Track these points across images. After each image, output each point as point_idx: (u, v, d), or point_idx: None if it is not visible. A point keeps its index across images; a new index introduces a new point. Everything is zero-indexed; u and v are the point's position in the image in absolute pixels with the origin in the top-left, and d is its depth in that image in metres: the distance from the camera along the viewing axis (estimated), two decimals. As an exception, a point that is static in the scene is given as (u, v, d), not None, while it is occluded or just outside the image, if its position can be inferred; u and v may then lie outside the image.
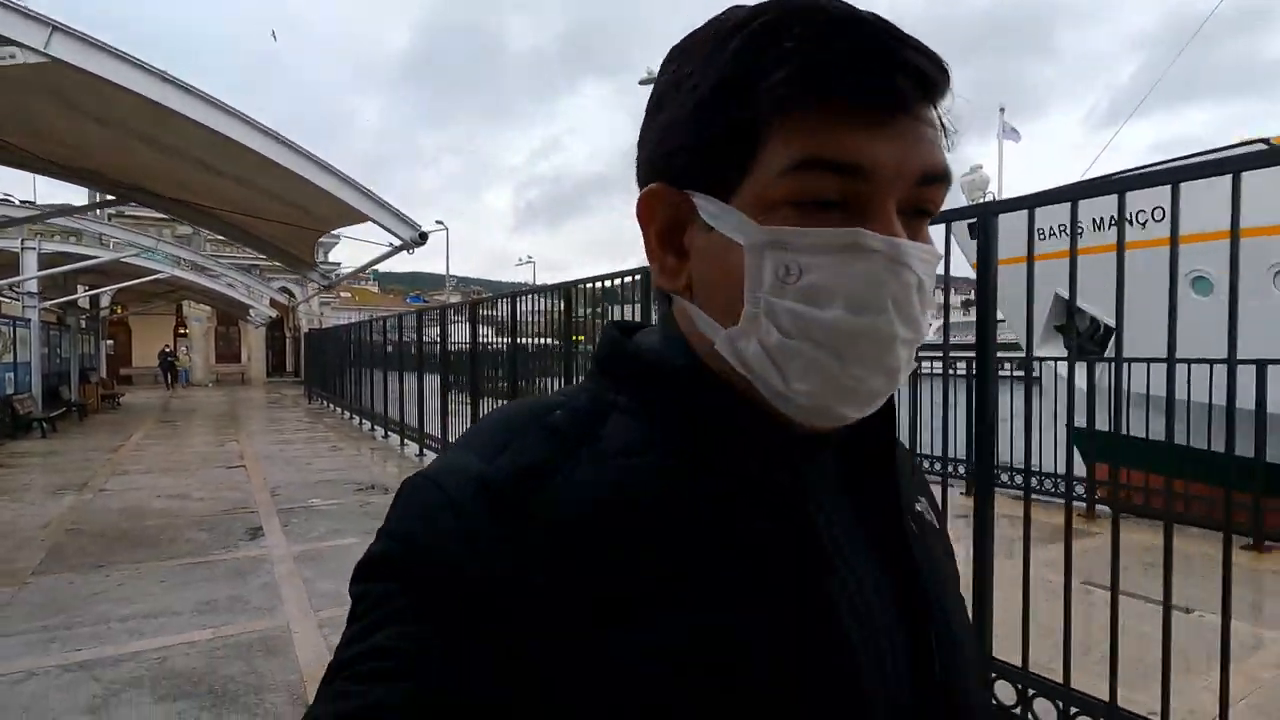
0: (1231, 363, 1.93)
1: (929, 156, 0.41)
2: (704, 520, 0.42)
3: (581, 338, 5.53)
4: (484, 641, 0.37)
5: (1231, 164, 1.92)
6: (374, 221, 4.99)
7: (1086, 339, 7.69)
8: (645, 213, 0.46)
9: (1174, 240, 2.02)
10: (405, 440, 10.11)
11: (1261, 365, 4.14)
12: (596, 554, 0.39)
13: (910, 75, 0.39)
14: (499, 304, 7.24)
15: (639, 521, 0.41)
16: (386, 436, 11.07)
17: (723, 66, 0.41)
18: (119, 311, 24.69)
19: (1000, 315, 2.71)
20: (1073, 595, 2.24)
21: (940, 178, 0.42)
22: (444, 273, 45.03)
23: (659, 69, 0.47)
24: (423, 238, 5.23)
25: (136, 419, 14.56)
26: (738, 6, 0.43)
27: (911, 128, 0.40)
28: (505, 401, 6.90)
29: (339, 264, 25.70)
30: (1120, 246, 2.16)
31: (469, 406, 7.73)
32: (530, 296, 6.56)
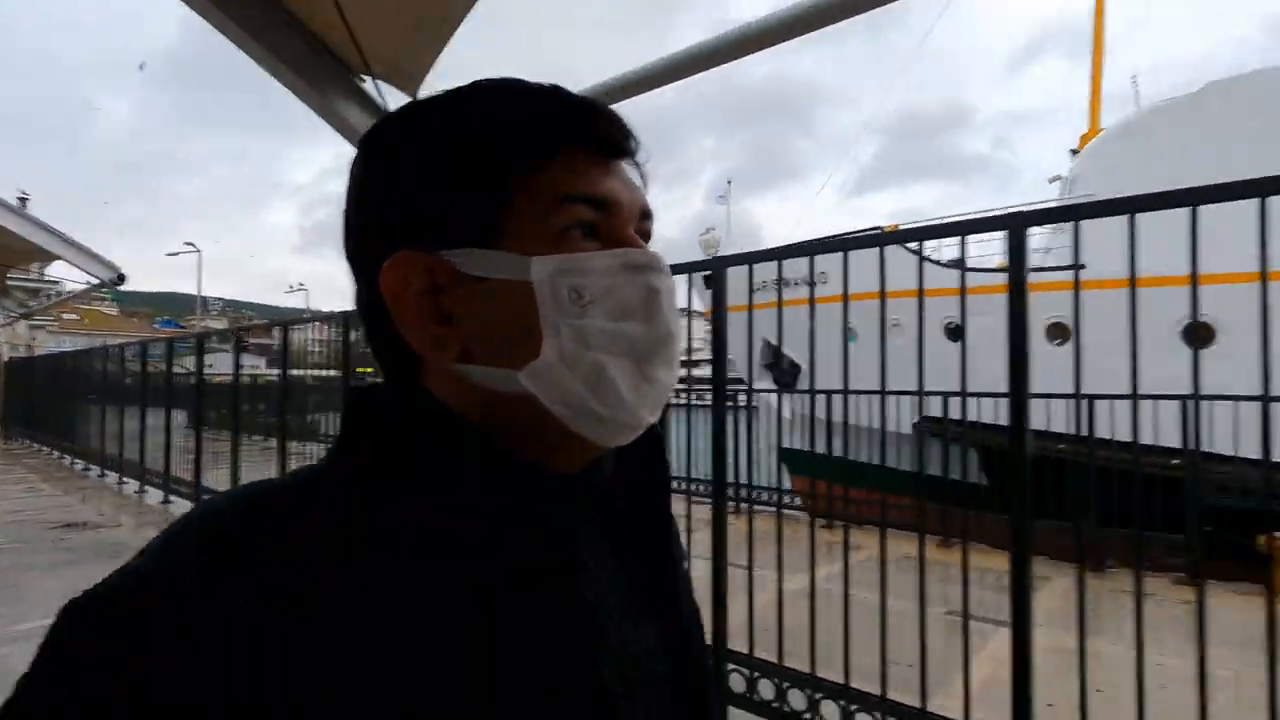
0: (811, 391, 2.80)
1: (642, 196, 0.51)
2: (464, 608, 0.39)
3: (370, 369, 5.82)
4: None
5: (836, 245, 2.56)
6: (68, 261, 5.17)
7: (788, 375, 9.55)
8: (399, 283, 0.45)
9: (811, 299, 2.53)
10: (124, 478, 9.53)
11: (883, 394, 5.25)
12: (322, 660, 0.34)
13: (621, 131, 0.49)
14: (225, 337, 7.49)
15: (377, 619, 0.37)
16: (103, 475, 10.25)
17: (463, 130, 0.46)
18: None
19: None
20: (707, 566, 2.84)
21: (651, 215, 0.52)
22: (204, 295, 40.66)
23: (361, 155, 0.49)
24: (121, 278, 5.49)
25: None
26: (431, 97, 0.49)
27: (629, 172, 0.50)
28: (250, 435, 7.06)
29: (58, 280, 22.23)
30: (766, 303, 2.80)
31: (195, 439, 7.73)
32: (256, 333, 6.95)
